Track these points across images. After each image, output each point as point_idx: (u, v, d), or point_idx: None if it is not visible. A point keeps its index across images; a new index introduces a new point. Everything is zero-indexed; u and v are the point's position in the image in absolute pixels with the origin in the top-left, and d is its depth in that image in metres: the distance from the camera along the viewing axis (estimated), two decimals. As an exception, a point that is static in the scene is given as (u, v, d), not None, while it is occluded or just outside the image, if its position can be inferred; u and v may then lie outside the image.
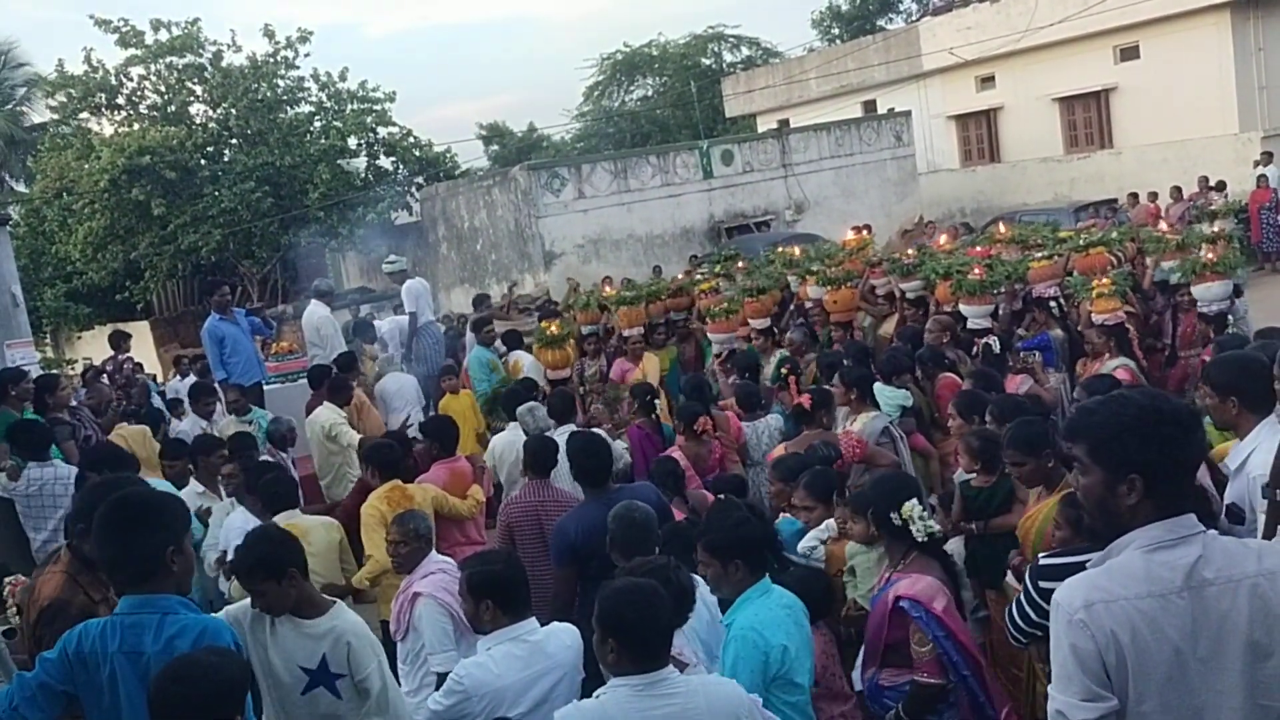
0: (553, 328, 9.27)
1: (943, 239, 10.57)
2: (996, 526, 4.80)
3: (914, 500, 3.97)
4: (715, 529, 3.69)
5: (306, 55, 23.73)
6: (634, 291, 10.13)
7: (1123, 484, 2.20)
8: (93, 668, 2.99)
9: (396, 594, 4.83)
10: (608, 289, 11.13)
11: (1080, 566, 2.37)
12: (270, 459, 7.65)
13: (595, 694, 3.03)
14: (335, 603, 3.92)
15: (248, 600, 3.81)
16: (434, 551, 4.83)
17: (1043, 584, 3.18)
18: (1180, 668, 2.15)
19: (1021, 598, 3.27)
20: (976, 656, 3.79)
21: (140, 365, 12.54)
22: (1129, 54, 23.49)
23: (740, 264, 11.03)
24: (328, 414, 8.42)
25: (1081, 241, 8.35)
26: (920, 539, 3.92)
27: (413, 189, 25.24)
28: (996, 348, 7.50)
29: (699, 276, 11.25)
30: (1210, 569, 2.18)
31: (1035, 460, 4.35)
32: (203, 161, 23.15)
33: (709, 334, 9.16)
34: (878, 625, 3.88)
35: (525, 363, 10.05)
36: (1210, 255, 7.20)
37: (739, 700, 3.11)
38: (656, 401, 7.30)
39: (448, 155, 26.21)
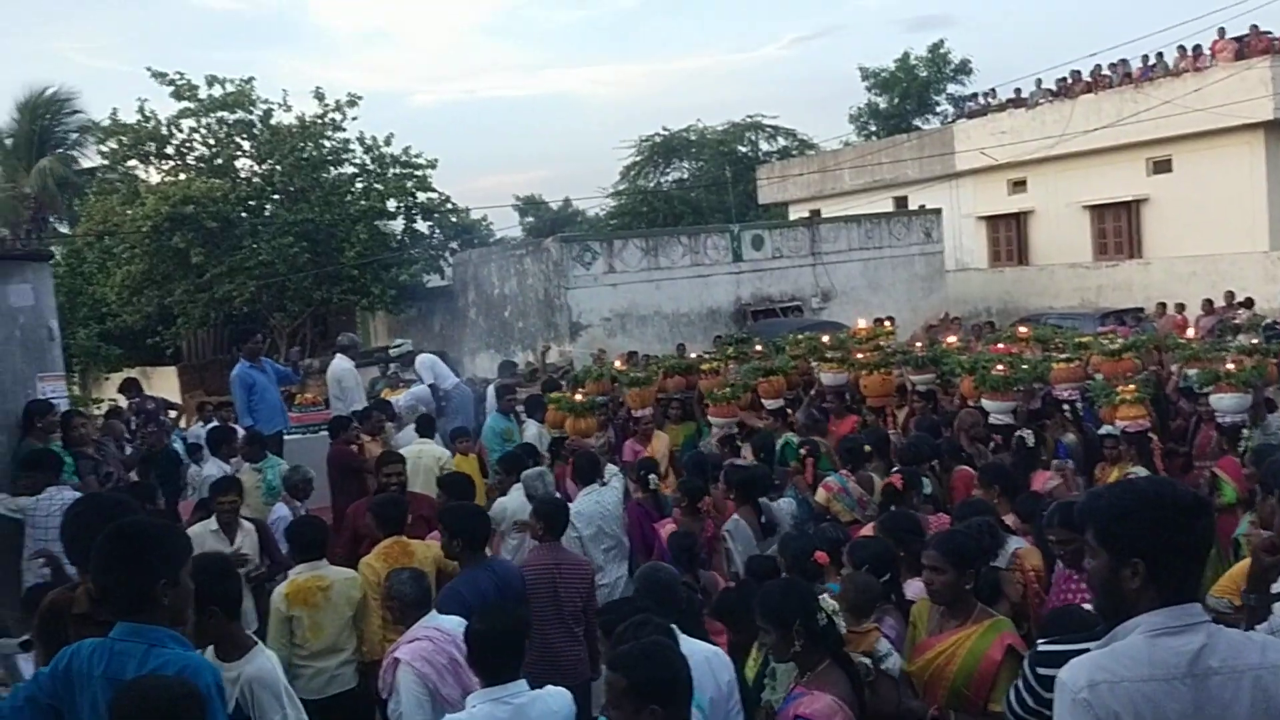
0: (579, 396, 9.35)
1: (951, 338, 10.65)
2: None
3: (827, 599, 3.81)
4: (641, 668, 2.98)
5: (354, 119, 24.21)
6: (645, 372, 10.19)
7: (1126, 568, 2.24)
8: (77, 688, 3.00)
9: (388, 652, 4.77)
10: (619, 363, 11.25)
11: (1079, 653, 2.40)
12: (287, 507, 7.76)
13: None
14: (255, 645, 3.89)
15: None
16: (433, 612, 4.71)
17: (1041, 670, 3.18)
18: None
19: (1020, 684, 3.28)
20: None
21: (171, 405, 12.68)
22: (1161, 166, 23.74)
23: (758, 348, 11.14)
24: (440, 450, 9.19)
25: (1110, 347, 8.39)
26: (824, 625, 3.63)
27: (446, 253, 25.61)
28: (1030, 441, 7.54)
29: (701, 357, 11.35)
30: (1215, 658, 2.21)
31: (957, 574, 4.06)
32: (244, 214, 23.51)
33: (709, 416, 9.19)
34: None
35: (531, 431, 10.11)
36: (1230, 366, 7.23)
37: None
38: (653, 477, 7.34)
39: (483, 223, 26.63)
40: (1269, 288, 20.24)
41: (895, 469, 6.96)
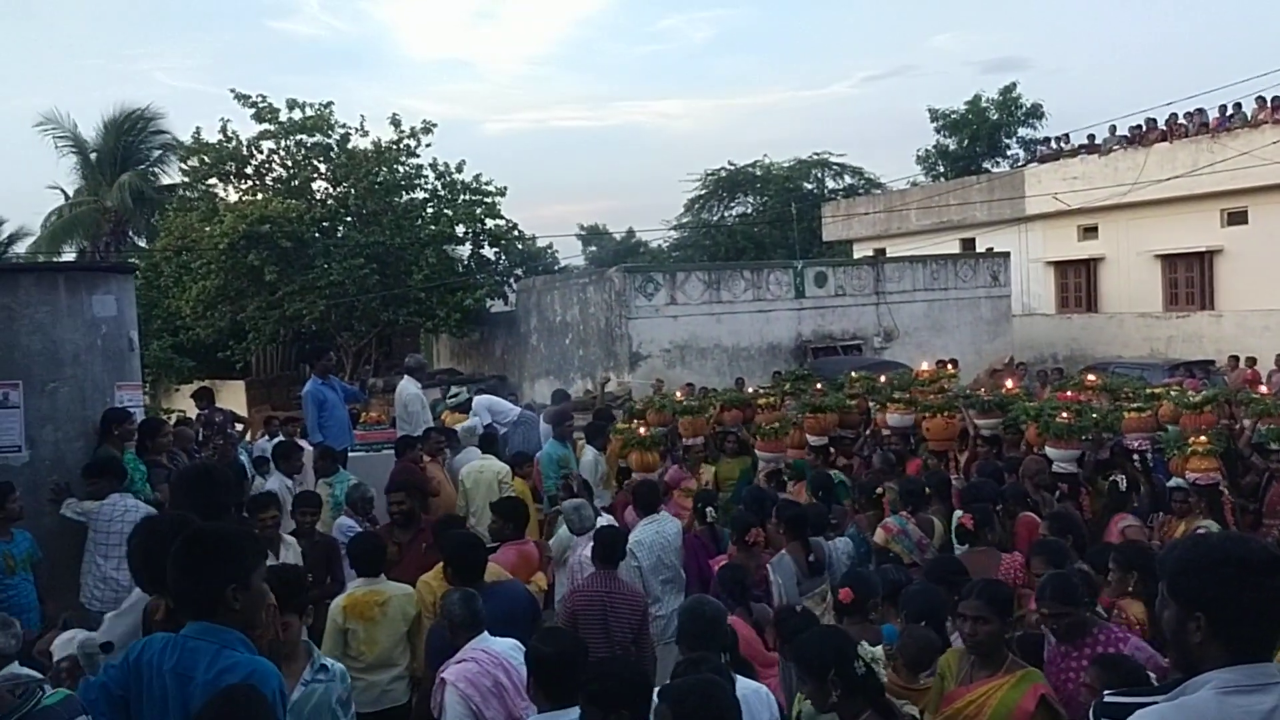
0: (642, 429, 9.39)
1: (1009, 383, 10.55)
2: None
3: (864, 644, 3.82)
4: (602, 679, 3.48)
5: (428, 145, 24.65)
6: (698, 401, 10.21)
7: (1191, 621, 2.23)
8: (145, 679, 3.08)
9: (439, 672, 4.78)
10: (679, 395, 11.25)
11: (1147, 704, 2.37)
12: (353, 523, 7.87)
13: None
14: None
15: None
16: (484, 634, 4.69)
17: (1104, 720, 3.17)
18: None
19: (1084, 733, 3.26)
20: None
21: (238, 419, 12.94)
22: (1236, 218, 23.32)
23: (818, 385, 11.13)
24: (500, 464, 9.35)
25: (1191, 399, 8.24)
26: (862, 674, 3.64)
27: (511, 279, 25.91)
28: (1123, 485, 7.47)
29: (758, 391, 11.33)
30: None
31: (1000, 623, 4.06)
32: (317, 235, 23.94)
33: (757, 450, 9.19)
34: None
35: (588, 458, 10.16)
36: (1303, 423, 7.10)
37: None
38: (711, 510, 7.36)
39: (548, 250, 26.92)
40: (1345, 345, 19.75)
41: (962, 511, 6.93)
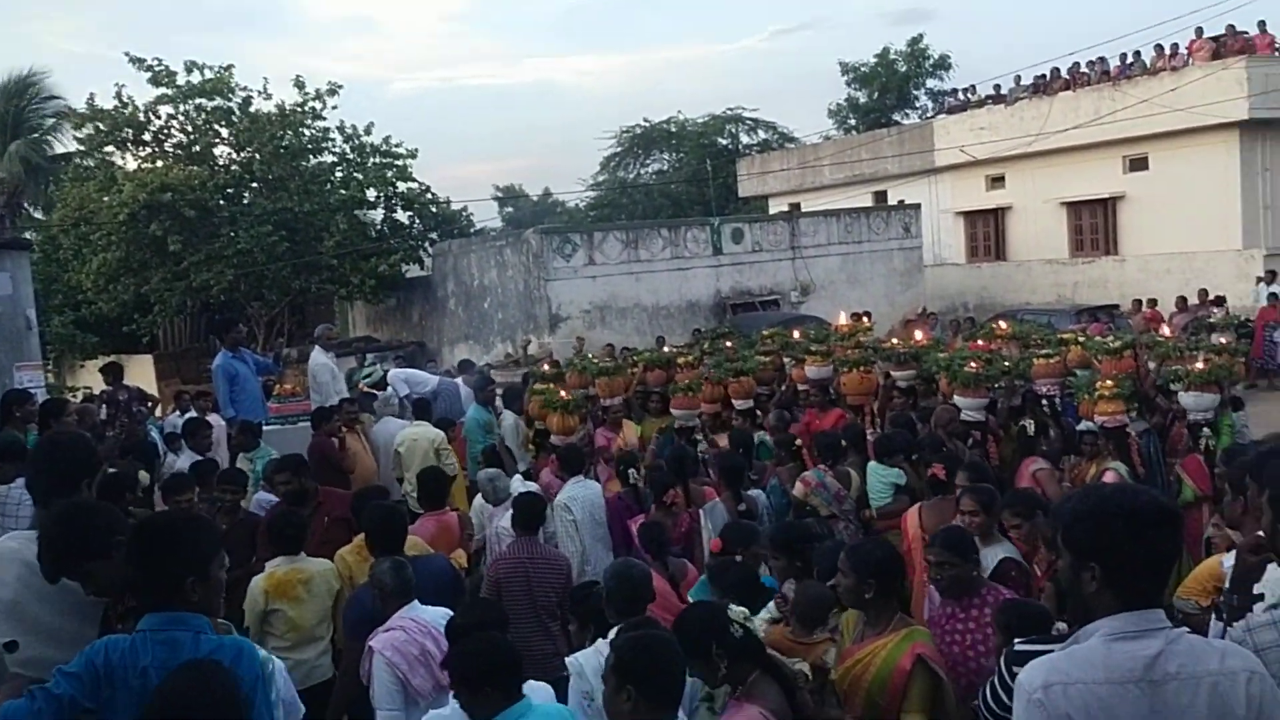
0: (563, 392, 9.33)
1: (919, 334, 10.75)
2: None
3: (735, 607, 3.83)
4: (462, 657, 3.53)
5: (334, 107, 24.14)
6: (614, 362, 10.17)
7: (1085, 571, 2.29)
8: (120, 681, 2.93)
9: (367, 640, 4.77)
10: (595, 356, 11.21)
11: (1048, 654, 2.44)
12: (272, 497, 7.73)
13: None
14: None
15: None
16: (413, 603, 4.68)
17: (1015, 669, 3.24)
18: None
19: (995, 681, 3.34)
20: None
21: (146, 397, 12.59)
22: (1138, 165, 23.94)
23: (729, 344, 11.17)
24: (435, 431, 9.38)
25: (1110, 345, 8.43)
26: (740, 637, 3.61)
27: (426, 244, 25.56)
28: (1031, 430, 7.62)
29: (676, 350, 11.34)
30: (1173, 664, 2.23)
31: (856, 580, 3.97)
32: (222, 202, 23.38)
33: (671, 408, 9.22)
34: None
35: (509, 423, 10.15)
36: (1199, 365, 7.32)
37: None
38: (633, 471, 7.38)
39: (463, 213, 26.59)
40: (1241, 285, 20.47)
41: (915, 460, 7.12)
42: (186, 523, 3.23)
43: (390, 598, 4.70)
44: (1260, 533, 3.24)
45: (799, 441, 8.08)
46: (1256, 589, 3.04)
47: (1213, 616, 3.64)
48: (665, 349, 11.92)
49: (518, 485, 7.48)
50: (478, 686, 3.42)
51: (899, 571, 4.02)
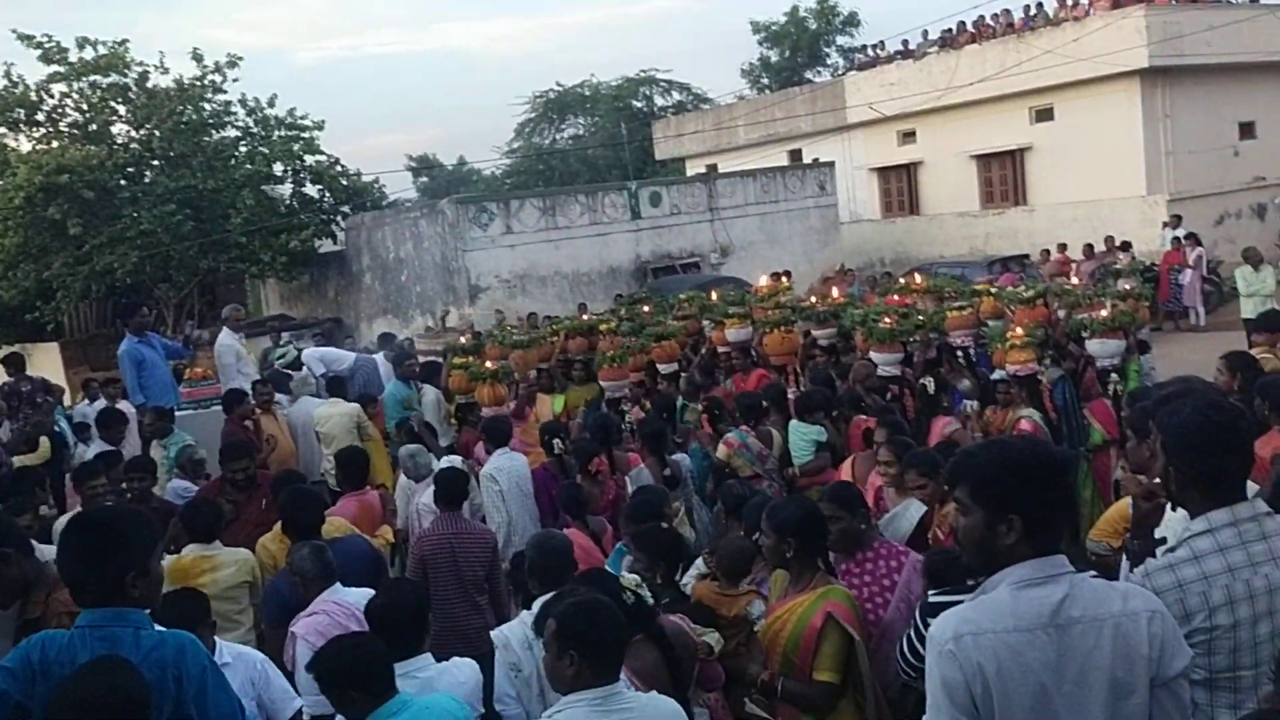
0: (489, 363, 9.22)
1: (835, 291, 10.84)
2: None
3: (624, 574, 3.85)
4: (320, 660, 3.49)
5: (235, 80, 23.69)
6: (527, 335, 10.07)
7: (1002, 524, 2.31)
8: (55, 678, 2.87)
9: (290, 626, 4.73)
10: (512, 326, 11.09)
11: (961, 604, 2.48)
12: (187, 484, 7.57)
13: (546, 714, 3.05)
14: None
15: None
16: (335, 586, 4.65)
17: (929, 620, 3.29)
18: (1045, 701, 2.24)
19: (911, 633, 3.38)
20: None
21: (51, 388, 12.19)
22: (1044, 115, 24.38)
23: (646, 308, 11.14)
24: (350, 405, 9.34)
25: (1023, 294, 8.58)
26: (632, 604, 3.64)
27: (338, 218, 25.07)
28: (931, 389, 7.72)
29: (597, 318, 11.30)
30: (1077, 608, 2.27)
31: (777, 539, 3.97)
32: (122, 182, 22.78)
33: (600, 379, 9.19)
34: None
35: (430, 398, 10.06)
36: (1104, 312, 7.49)
37: (681, 716, 3.18)
38: (557, 441, 7.36)
39: (375, 185, 26.14)
40: (1147, 231, 21.03)
41: (835, 416, 7.22)
42: (125, 517, 3.15)
43: (312, 583, 4.65)
44: (1152, 479, 3.33)
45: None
46: (1158, 533, 3.12)
47: (1123, 557, 3.74)
48: (587, 316, 11.86)
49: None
50: (340, 689, 3.39)
51: (820, 529, 4.03)
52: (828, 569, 4.08)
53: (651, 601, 3.78)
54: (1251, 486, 2.77)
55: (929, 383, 7.75)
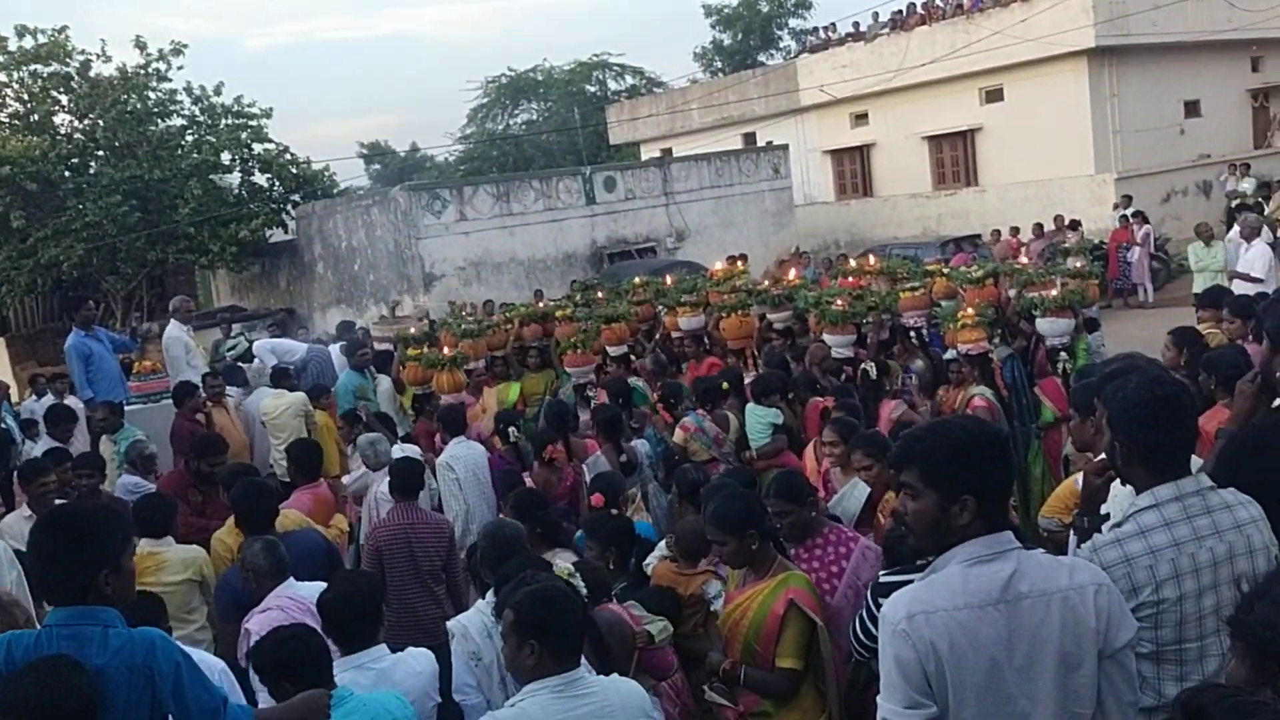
0: (445, 349, 9.15)
1: (791, 274, 10.85)
2: None
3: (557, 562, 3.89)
4: (256, 652, 3.54)
5: (180, 68, 23.18)
6: (476, 325, 10.00)
7: (956, 505, 2.33)
8: None
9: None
10: (466, 314, 11.02)
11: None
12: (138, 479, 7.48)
13: (509, 703, 3.04)
14: None
15: None
16: (289, 580, 4.59)
17: (880, 600, 3.31)
18: (997, 676, 2.27)
19: (863, 613, 3.41)
20: None
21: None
22: (994, 96, 24.58)
23: (600, 294, 11.11)
24: (296, 395, 9.32)
25: (972, 275, 8.64)
26: None
27: (288, 207, 24.74)
28: (874, 374, 7.76)
29: (553, 304, 11.25)
30: (1025, 583, 2.31)
31: (737, 540, 3.94)
32: (66, 173, 22.28)
33: (565, 366, 9.15)
34: None
35: (385, 387, 10.00)
36: (1053, 291, 7.58)
37: (644, 698, 3.18)
38: (513, 429, 7.33)
39: (326, 173, 25.82)
40: (1096, 209, 21.33)
41: (791, 398, 7.29)
42: (97, 514, 3.10)
43: (264, 578, 4.60)
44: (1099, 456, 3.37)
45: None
46: (1104, 510, 3.16)
47: (1071, 532, 3.79)
48: (544, 303, 11.80)
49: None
50: (274, 680, 3.41)
51: (764, 512, 4.04)
52: (781, 552, 4.10)
53: (584, 591, 3.77)
54: (1196, 461, 2.81)
55: (871, 368, 7.77)
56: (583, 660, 3.14)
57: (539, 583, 3.30)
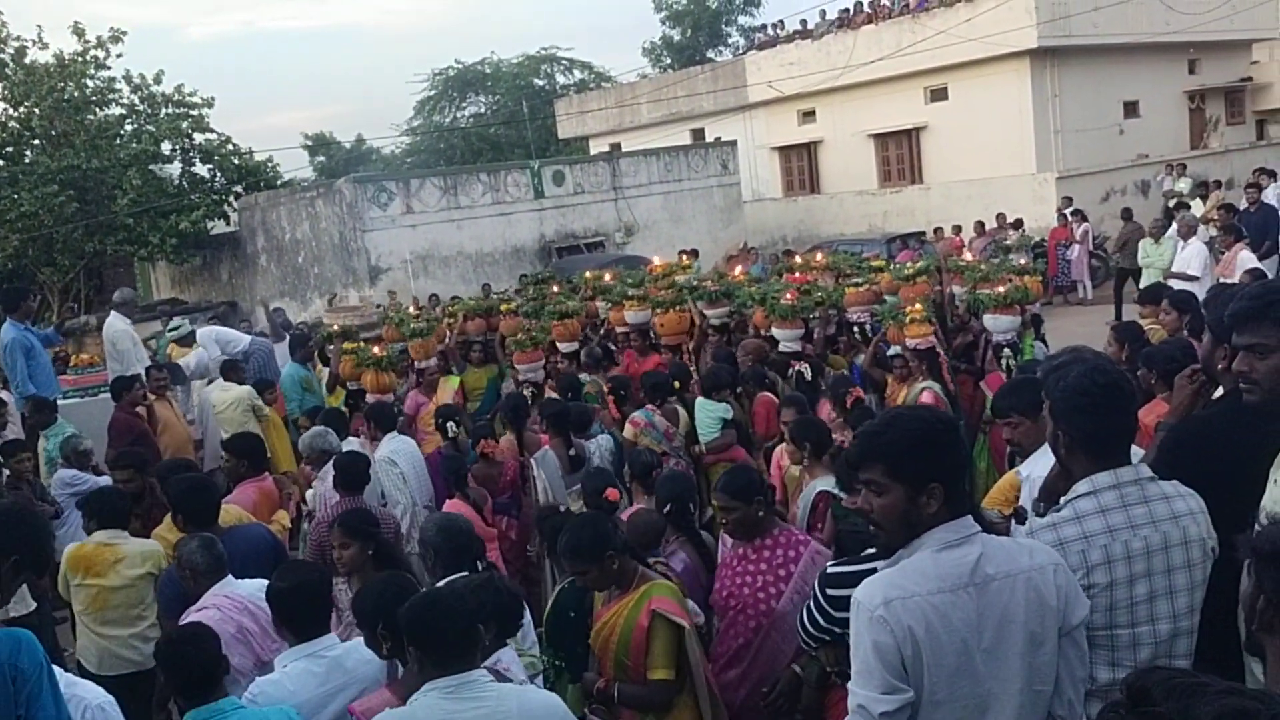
0: (376, 349, 9.02)
1: (737, 270, 10.89)
2: None
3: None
4: (157, 652, 3.53)
5: (119, 56, 22.79)
6: (425, 322, 9.89)
7: (924, 494, 2.37)
8: None
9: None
10: (413, 308, 10.91)
11: (869, 572, 2.54)
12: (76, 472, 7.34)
13: (409, 701, 3.05)
14: None
15: None
16: (227, 579, 4.48)
17: (830, 591, 3.33)
18: (968, 658, 2.32)
19: (811, 604, 3.42)
20: None
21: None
22: (939, 95, 24.86)
23: (555, 289, 11.07)
24: (243, 388, 9.28)
25: (906, 272, 8.73)
26: None
27: (230, 198, 24.36)
28: (809, 375, 7.79)
29: (499, 298, 11.20)
30: (991, 565, 2.37)
31: (598, 567, 3.88)
32: (1, 163, 21.79)
33: (515, 364, 9.06)
34: None
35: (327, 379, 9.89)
36: (999, 288, 7.68)
37: (559, 713, 3.15)
38: (452, 425, 7.27)
39: (269, 164, 25.45)
40: (1037, 208, 21.66)
41: (739, 393, 7.29)
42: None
43: (202, 576, 4.48)
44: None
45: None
46: (1020, 500, 3.22)
47: (1013, 523, 3.86)
48: (492, 296, 11.72)
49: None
50: (170, 682, 3.44)
51: (614, 535, 3.99)
52: (641, 561, 4.08)
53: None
54: (1136, 452, 2.86)
55: (805, 369, 7.81)
56: (491, 665, 3.16)
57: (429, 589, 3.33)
